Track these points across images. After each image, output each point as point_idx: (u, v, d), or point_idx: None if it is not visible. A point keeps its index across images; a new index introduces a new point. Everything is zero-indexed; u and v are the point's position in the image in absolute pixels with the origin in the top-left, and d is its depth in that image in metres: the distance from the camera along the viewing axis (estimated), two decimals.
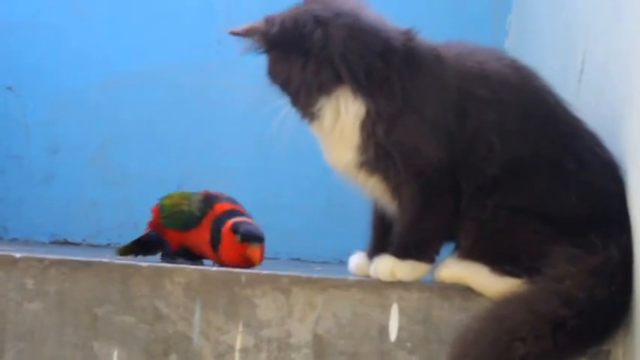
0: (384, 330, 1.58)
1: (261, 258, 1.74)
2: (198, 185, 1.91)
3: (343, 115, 1.58)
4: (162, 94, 2.56)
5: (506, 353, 1.43)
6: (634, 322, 1.45)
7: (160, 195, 1.89)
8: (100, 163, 2.55)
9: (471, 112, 1.57)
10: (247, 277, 1.60)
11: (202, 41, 2.56)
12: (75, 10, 2.57)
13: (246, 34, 1.60)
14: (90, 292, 1.60)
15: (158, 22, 2.58)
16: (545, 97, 1.61)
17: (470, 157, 1.57)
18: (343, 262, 1.73)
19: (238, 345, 1.58)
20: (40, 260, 1.61)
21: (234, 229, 1.74)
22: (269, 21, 1.59)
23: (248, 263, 1.73)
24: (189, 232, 1.81)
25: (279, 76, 1.60)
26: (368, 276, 1.61)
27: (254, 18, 1.62)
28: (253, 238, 1.73)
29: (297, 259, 2.49)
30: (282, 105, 1.61)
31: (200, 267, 1.64)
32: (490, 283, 1.54)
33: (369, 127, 1.57)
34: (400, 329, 1.57)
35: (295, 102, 1.60)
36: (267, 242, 1.75)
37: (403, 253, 1.58)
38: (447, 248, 1.63)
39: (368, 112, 1.57)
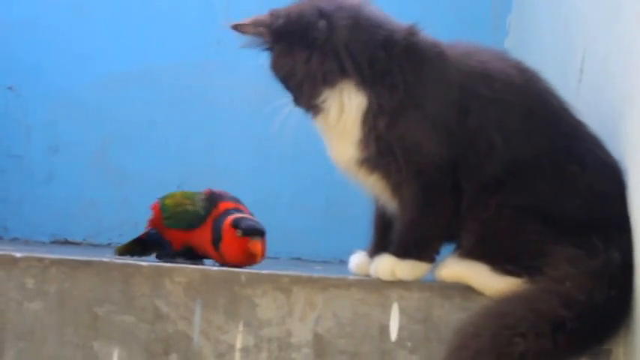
0: (384, 329, 1.58)
1: (264, 252, 1.74)
2: (198, 185, 1.90)
3: (347, 108, 1.59)
4: (163, 94, 2.56)
5: (507, 348, 1.43)
6: (635, 322, 1.45)
7: (160, 195, 1.89)
8: (100, 163, 2.55)
9: (472, 110, 1.57)
10: (247, 276, 1.60)
11: (202, 41, 2.56)
12: (75, 10, 2.57)
13: (252, 25, 1.60)
14: (90, 291, 1.60)
15: (158, 22, 2.58)
16: (548, 99, 1.61)
17: (471, 155, 1.57)
18: (343, 262, 1.73)
19: (239, 344, 1.59)
20: (41, 260, 1.61)
21: (235, 224, 1.75)
22: (274, 14, 1.61)
23: (250, 258, 1.74)
24: (193, 231, 1.81)
25: (283, 69, 1.60)
26: (368, 275, 1.61)
27: None
28: (254, 232, 1.74)
29: (298, 259, 2.49)
30: (283, 104, 1.61)
31: (200, 266, 1.64)
32: (491, 282, 1.55)
33: (370, 120, 1.57)
34: (400, 328, 1.57)
35: (299, 95, 1.60)
36: (267, 242, 1.76)
37: (403, 252, 1.58)
38: (448, 248, 1.63)
39: (370, 105, 1.57)
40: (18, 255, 1.62)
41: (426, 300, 1.57)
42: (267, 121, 1.58)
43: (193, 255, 1.83)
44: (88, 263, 1.61)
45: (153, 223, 1.88)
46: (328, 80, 1.58)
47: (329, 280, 1.59)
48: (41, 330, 1.60)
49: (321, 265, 2.32)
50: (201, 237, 1.79)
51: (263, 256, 1.75)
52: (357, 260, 1.68)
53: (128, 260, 1.69)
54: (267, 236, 1.75)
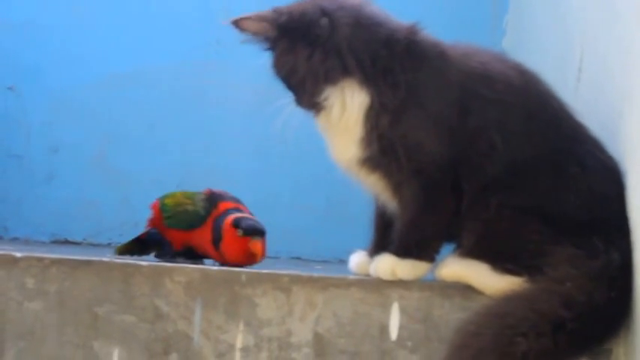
0: (384, 329, 1.58)
1: (264, 252, 1.75)
2: (198, 185, 1.91)
3: (349, 106, 1.59)
4: (162, 94, 2.56)
5: (509, 347, 1.43)
6: (635, 322, 1.45)
7: (160, 195, 1.89)
8: (100, 163, 2.56)
9: (473, 110, 1.58)
10: (248, 276, 1.60)
11: (202, 41, 2.56)
12: (75, 11, 2.57)
13: (255, 19, 1.60)
14: (90, 291, 1.60)
15: (157, 23, 2.58)
16: (548, 101, 1.62)
17: (471, 155, 1.57)
18: (343, 261, 1.73)
19: (239, 344, 1.59)
20: (41, 259, 1.62)
21: (235, 224, 1.75)
22: (277, 11, 1.61)
23: (251, 258, 1.74)
24: (193, 231, 1.81)
25: (285, 67, 1.60)
26: (368, 275, 1.61)
27: None
28: (255, 231, 1.74)
29: (298, 258, 2.49)
30: (284, 104, 1.61)
31: (200, 266, 1.64)
32: (491, 282, 1.55)
33: (372, 118, 1.58)
34: (401, 328, 1.57)
35: (301, 93, 1.61)
36: (267, 242, 1.76)
37: (404, 251, 1.58)
38: (448, 248, 1.63)
39: (372, 103, 1.58)
40: (18, 255, 1.62)
41: (427, 299, 1.57)
42: (267, 121, 1.58)
43: (193, 255, 1.83)
44: (88, 263, 1.62)
45: (153, 222, 1.88)
46: (330, 78, 1.58)
47: (329, 279, 1.59)
48: (41, 330, 1.60)
49: (321, 264, 2.32)
50: (202, 237, 1.79)
51: (263, 255, 1.76)
52: (357, 260, 1.68)
53: (128, 260, 1.69)
54: (267, 236, 1.76)
